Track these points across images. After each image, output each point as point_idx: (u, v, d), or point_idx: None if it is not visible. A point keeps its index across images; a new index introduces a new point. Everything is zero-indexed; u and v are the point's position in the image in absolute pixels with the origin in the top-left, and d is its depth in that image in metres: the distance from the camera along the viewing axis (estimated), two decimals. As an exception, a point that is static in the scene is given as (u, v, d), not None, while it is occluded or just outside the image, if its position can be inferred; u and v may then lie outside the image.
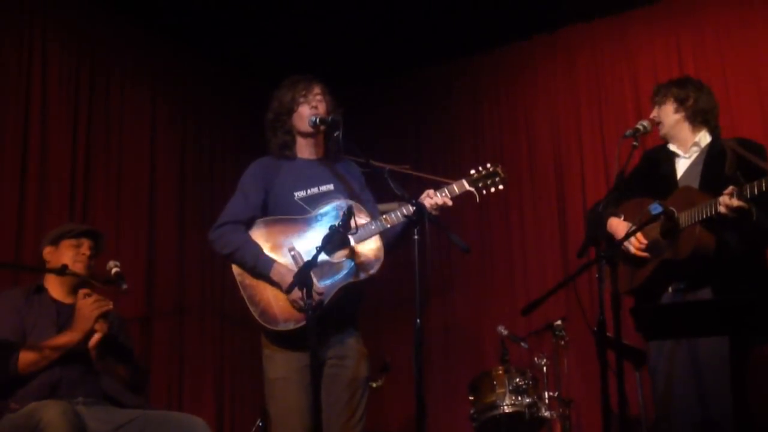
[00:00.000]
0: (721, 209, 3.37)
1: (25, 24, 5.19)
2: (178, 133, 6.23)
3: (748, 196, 3.30)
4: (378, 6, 5.94)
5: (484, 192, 3.49)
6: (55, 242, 3.83)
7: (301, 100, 3.60)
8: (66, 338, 3.56)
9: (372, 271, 3.41)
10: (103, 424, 3.49)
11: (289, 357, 3.41)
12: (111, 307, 3.64)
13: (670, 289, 3.69)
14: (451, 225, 6.02)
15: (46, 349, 3.51)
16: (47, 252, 3.84)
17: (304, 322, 3.30)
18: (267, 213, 3.58)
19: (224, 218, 3.57)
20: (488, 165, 3.52)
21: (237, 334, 6.06)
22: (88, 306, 3.58)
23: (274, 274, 3.39)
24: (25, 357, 3.49)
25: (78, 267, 3.77)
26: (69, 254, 3.79)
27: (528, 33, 6.45)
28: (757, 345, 3.63)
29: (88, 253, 3.83)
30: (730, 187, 3.34)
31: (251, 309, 3.43)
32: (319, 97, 3.62)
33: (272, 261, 3.42)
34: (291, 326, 3.38)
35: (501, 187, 3.51)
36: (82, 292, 3.64)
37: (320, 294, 3.34)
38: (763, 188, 3.27)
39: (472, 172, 3.52)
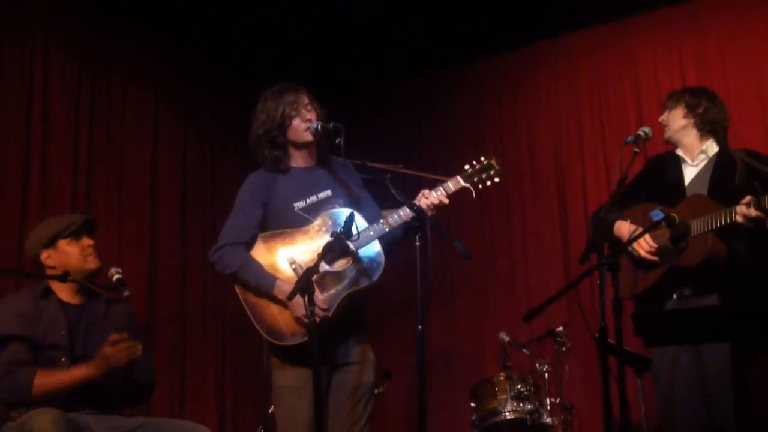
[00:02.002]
0: (738, 218, 3.39)
1: (28, 28, 5.20)
2: (180, 138, 6.24)
3: (767, 206, 3.32)
4: (380, 12, 5.95)
5: (480, 186, 3.45)
6: (52, 244, 3.66)
7: (293, 113, 3.56)
8: (82, 372, 3.43)
9: (374, 277, 3.39)
10: (111, 430, 3.47)
11: (300, 365, 3.38)
12: (139, 352, 3.49)
13: (674, 296, 3.69)
14: (452, 231, 6.08)
15: (63, 381, 3.38)
16: (46, 256, 3.65)
17: None
18: (268, 226, 3.55)
19: (224, 239, 3.52)
20: (482, 158, 3.49)
21: (239, 339, 6.06)
22: (117, 353, 3.43)
23: (277, 292, 3.36)
24: (40, 384, 3.38)
25: (91, 262, 3.68)
26: (74, 252, 3.65)
27: (529, 39, 6.45)
28: (760, 353, 3.64)
29: (92, 243, 3.72)
30: (748, 197, 3.35)
31: (258, 326, 3.40)
32: (309, 107, 3.59)
33: (274, 278, 3.39)
34: (298, 339, 3.34)
35: (497, 180, 3.47)
36: (112, 338, 3.45)
37: (325, 310, 3.31)
38: None
39: (467, 167, 3.48)
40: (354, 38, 6.22)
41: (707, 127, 3.88)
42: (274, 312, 3.39)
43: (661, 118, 4.01)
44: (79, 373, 3.44)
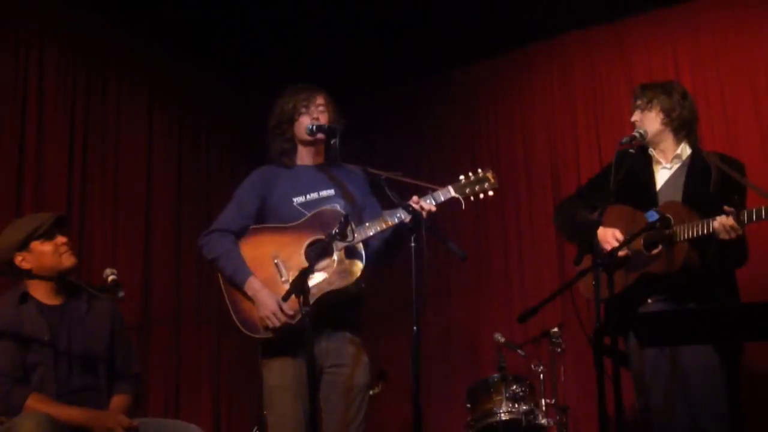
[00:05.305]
0: (720, 232, 3.38)
1: (22, 33, 5.20)
2: (175, 143, 6.24)
3: (746, 221, 3.33)
4: (373, 17, 5.96)
5: (472, 198, 3.46)
6: (25, 246, 3.54)
7: (303, 109, 3.62)
8: (74, 414, 3.41)
9: (351, 280, 3.41)
10: None
11: (286, 365, 3.43)
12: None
13: (649, 301, 3.68)
14: (447, 232, 6.07)
15: (53, 413, 3.29)
16: (20, 259, 3.54)
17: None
18: (266, 219, 3.60)
19: (215, 226, 3.62)
20: (479, 170, 3.49)
21: (233, 341, 6.05)
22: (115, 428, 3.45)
23: (248, 288, 3.44)
24: (31, 406, 3.35)
25: (68, 260, 3.60)
26: (49, 252, 3.56)
27: (524, 40, 6.46)
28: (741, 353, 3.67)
29: (65, 240, 3.62)
30: (731, 210, 3.35)
31: (234, 316, 3.48)
32: (321, 108, 3.63)
33: (248, 274, 3.45)
34: (270, 333, 3.42)
35: (491, 193, 3.47)
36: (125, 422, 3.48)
37: (289, 316, 3.36)
38: (763, 216, 3.31)
39: (461, 177, 3.48)
40: (348, 43, 6.22)
41: (684, 131, 3.84)
42: (250, 304, 3.45)
43: (633, 119, 3.92)
44: (71, 413, 3.41)
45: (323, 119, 3.61)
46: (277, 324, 3.36)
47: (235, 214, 3.62)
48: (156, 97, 6.10)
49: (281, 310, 3.36)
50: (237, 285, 3.47)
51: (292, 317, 3.35)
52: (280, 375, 3.44)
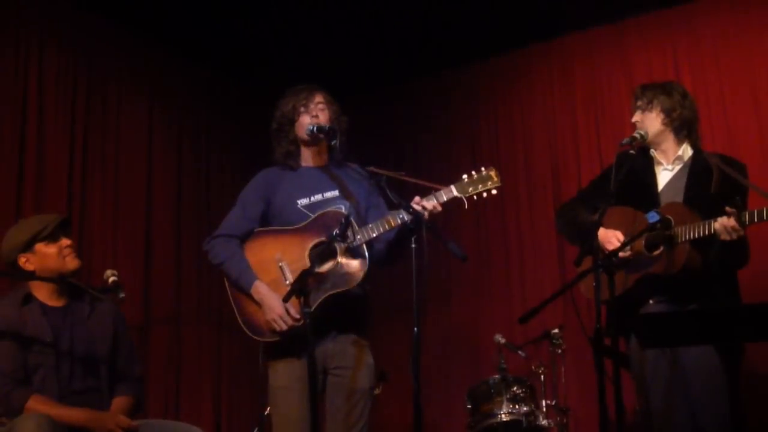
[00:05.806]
0: (721, 233, 3.38)
1: (22, 33, 5.19)
2: (175, 143, 6.23)
3: (747, 222, 3.33)
4: (373, 17, 5.95)
5: (475, 198, 3.41)
6: (29, 248, 3.53)
7: (302, 109, 3.61)
8: (75, 415, 3.40)
9: (355, 282, 3.41)
10: None
11: (291, 366, 3.44)
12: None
13: (650, 302, 3.67)
14: (447, 232, 6.07)
15: (54, 415, 3.29)
16: (24, 260, 3.54)
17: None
18: (271, 221, 3.61)
19: (219, 230, 3.64)
20: (482, 169, 3.44)
21: (234, 342, 6.05)
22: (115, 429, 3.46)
23: (254, 292, 3.45)
24: (33, 407, 3.34)
25: (71, 262, 3.58)
26: (53, 254, 3.55)
27: (524, 41, 6.46)
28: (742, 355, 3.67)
29: (70, 242, 3.61)
30: (733, 211, 3.34)
31: (239, 318, 3.50)
32: (321, 106, 3.63)
33: (254, 278, 3.47)
34: (276, 336, 3.43)
35: (494, 192, 3.42)
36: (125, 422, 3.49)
37: (296, 319, 3.36)
38: (764, 217, 3.30)
39: (464, 176, 3.44)
40: (348, 43, 6.22)
41: (684, 131, 3.83)
42: (256, 307, 3.46)
43: (634, 119, 3.90)
44: (72, 414, 3.40)
45: (323, 117, 3.61)
46: (284, 327, 3.37)
47: (239, 218, 3.64)
48: (156, 97, 6.10)
49: (288, 313, 3.36)
50: (243, 289, 3.48)
51: (298, 320, 3.36)
52: (284, 376, 3.45)
